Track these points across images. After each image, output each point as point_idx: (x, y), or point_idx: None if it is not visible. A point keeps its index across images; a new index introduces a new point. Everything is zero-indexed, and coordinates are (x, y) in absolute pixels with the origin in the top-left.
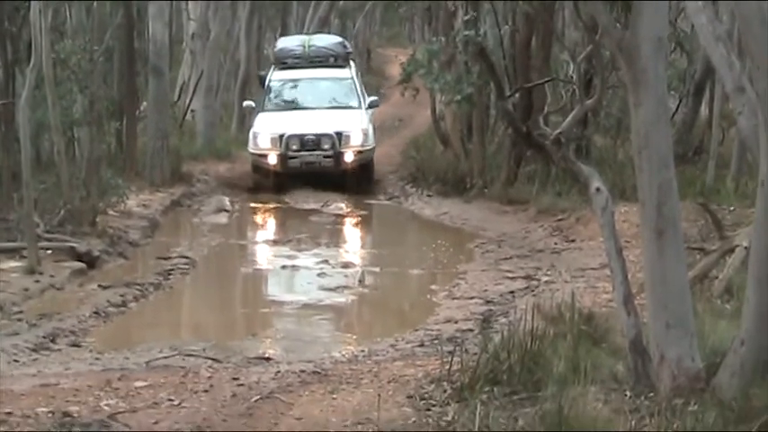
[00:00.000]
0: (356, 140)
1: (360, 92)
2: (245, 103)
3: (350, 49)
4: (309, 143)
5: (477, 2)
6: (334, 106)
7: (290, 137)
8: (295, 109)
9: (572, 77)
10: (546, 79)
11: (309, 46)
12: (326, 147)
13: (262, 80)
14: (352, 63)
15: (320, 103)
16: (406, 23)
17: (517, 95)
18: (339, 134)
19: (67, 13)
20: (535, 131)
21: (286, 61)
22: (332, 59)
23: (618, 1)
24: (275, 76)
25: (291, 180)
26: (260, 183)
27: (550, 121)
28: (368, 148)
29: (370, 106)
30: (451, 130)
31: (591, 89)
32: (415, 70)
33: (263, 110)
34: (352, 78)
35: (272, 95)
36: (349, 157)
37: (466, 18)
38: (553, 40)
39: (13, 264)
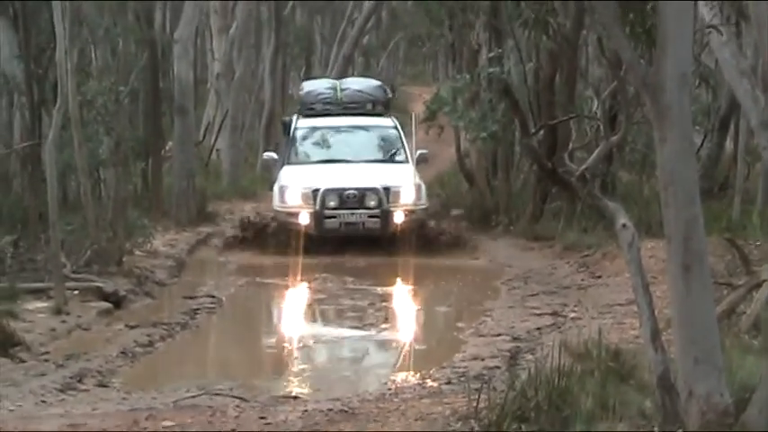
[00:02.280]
0: (408, 197)
1: (406, 144)
2: (266, 154)
3: (390, 95)
4: (351, 199)
5: (500, 39)
6: (378, 160)
7: (328, 191)
8: (329, 162)
9: (596, 114)
10: (570, 116)
11: (342, 89)
12: (372, 204)
13: (285, 127)
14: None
15: (359, 156)
16: (429, 62)
17: (542, 132)
18: (387, 189)
19: (93, 54)
20: (560, 168)
21: (314, 107)
22: (369, 106)
23: (642, 37)
24: (302, 124)
25: (326, 245)
26: (285, 246)
27: (575, 158)
28: (421, 207)
29: (419, 161)
30: (476, 167)
31: (616, 125)
32: (439, 108)
33: (287, 162)
34: (396, 127)
35: (298, 146)
36: (399, 217)
37: (490, 55)
38: (577, 76)
39: (40, 304)
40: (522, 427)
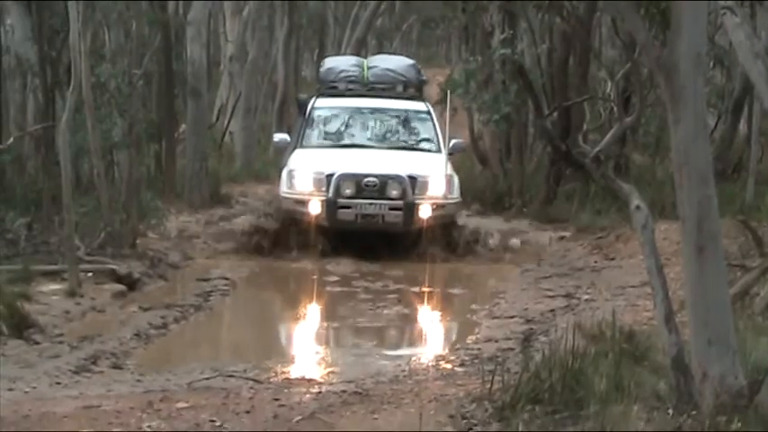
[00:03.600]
0: (437, 189)
1: (439, 132)
2: (276, 136)
3: (425, 77)
4: (370, 188)
5: (513, 21)
6: (405, 147)
7: (343, 177)
8: (347, 147)
9: (610, 95)
10: (584, 97)
11: (370, 68)
12: (394, 194)
13: (301, 106)
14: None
15: (384, 143)
16: (443, 44)
17: (555, 114)
18: (413, 179)
19: (106, 37)
20: (574, 149)
21: (336, 85)
22: (400, 87)
23: (656, 18)
24: (320, 104)
25: (340, 241)
26: (292, 243)
27: (589, 140)
28: (452, 201)
29: (453, 151)
30: (490, 149)
31: (629, 107)
32: (453, 90)
33: (300, 145)
34: (429, 113)
35: (314, 128)
36: (426, 211)
37: (503, 37)
38: (591, 58)
39: (54, 286)
40: (536, 408)
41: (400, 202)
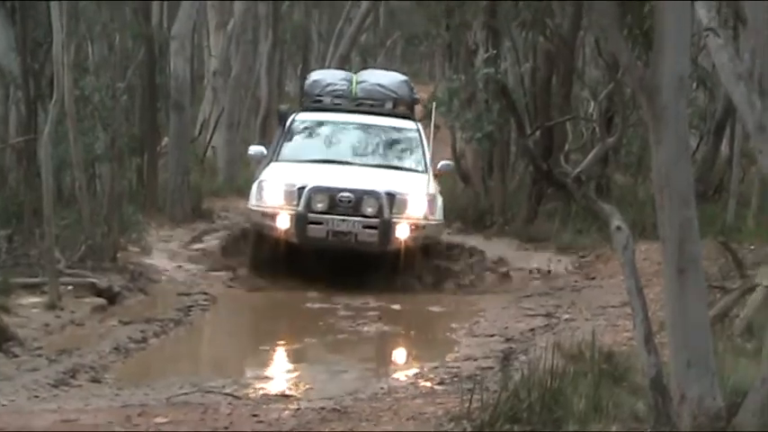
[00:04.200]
0: (417, 209)
1: (426, 152)
2: (252, 148)
3: (417, 95)
4: (344, 203)
5: (497, 40)
6: (388, 165)
7: (315, 190)
8: (325, 162)
9: (593, 115)
10: (567, 117)
11: (359, 82)
12: (369, 211)
13: (281, 118)
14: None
15: (366, 160)
16: (426, 61)
17: (538, 133)
18: (391, 196)
19: (90, 50)
20: (556, 169)
21: (321, 99)
22: (390, 104)
23: (639, 39)
24: (301, 117)
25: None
26: (261, 262)
27: (571, 160)
28: (433, 222)
29: (442, 171)
30: (472, 167)
31: (612, 127)
32: (436, 108)
33: (276, 158)
34: (418, 131)
35: (292, 141)
36: (403, 231)
37: (486, 56)
38: (574, 78)
39: (33, 299)
40: (515, 427)
41: (375, 220)
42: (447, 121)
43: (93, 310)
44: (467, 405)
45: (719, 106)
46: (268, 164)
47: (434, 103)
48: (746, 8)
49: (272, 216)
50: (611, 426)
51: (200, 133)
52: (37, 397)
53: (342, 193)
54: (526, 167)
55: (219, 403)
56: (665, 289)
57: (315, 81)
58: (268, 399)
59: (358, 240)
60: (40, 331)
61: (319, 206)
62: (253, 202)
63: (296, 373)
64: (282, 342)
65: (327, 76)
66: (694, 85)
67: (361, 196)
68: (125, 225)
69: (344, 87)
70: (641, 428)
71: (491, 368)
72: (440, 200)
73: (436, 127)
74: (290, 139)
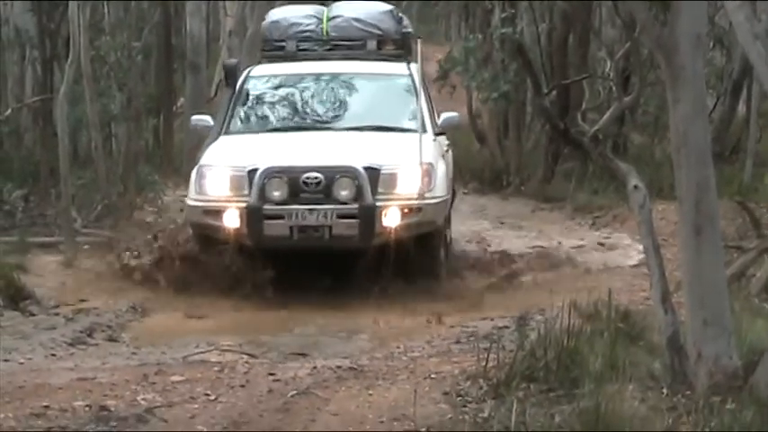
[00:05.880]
0: (408, 184)
1: (424, 103)
2: (194, 118)
3: (408, 28)
4: (311, 188)
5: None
6: (373, 127)
7: (269, 173)
8: (291, 130)
9: (610, 75)
10: (583, 76)
11: (330, 18)
12: (345, 195)
13: (229, 74)
14: (413, 51)
15: (344, 123)
16: (442, 21)
17: (554, 93)
18: (374, 171)
19: (105, 10)
20: (573, 129)
21: (282, 45)
22: (373, 44)
23: None
24: (258, 72)
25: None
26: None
27: (588, 119)
28: (432, 201)
29: (445, 127)
30: (488, 127)
31: (629, 86)
32: (452, 68)
33: (225, 131)
34: (410, 77)
35: (245, 107)
36: (393, 217)
37: (503, 16)
38: (591, 37)
39: (50, 258)
40: (531, 386)
41: (354, 207)
42: (463, 81)
43: (109, 270)
44: (483, 364)
45: (736, 66)
46: (215, 139)
47: (449, 66)
48: None
49: (218, 213)
50: (627, 385)
51: (215, 93)
52: (54, 355)
53: (307, 174)
54: (542, 127)
55: (236, 362)
56: (681, 248)
57: (274, 22)
58: (285, 357)
59: (333, 235)
60: (56, 290)
61: (276, 194)
62: (192, 194)
63: (312, 332)
64: (298, 300)
65: (290, 14)
66: (711, 44)
67: (332, 176)
68: (141, 185)
69: (313, 27)
70: (657, 387)
71: (507, 327)
72: (442, 168)
73: (452, 87)
74: (243, 104)
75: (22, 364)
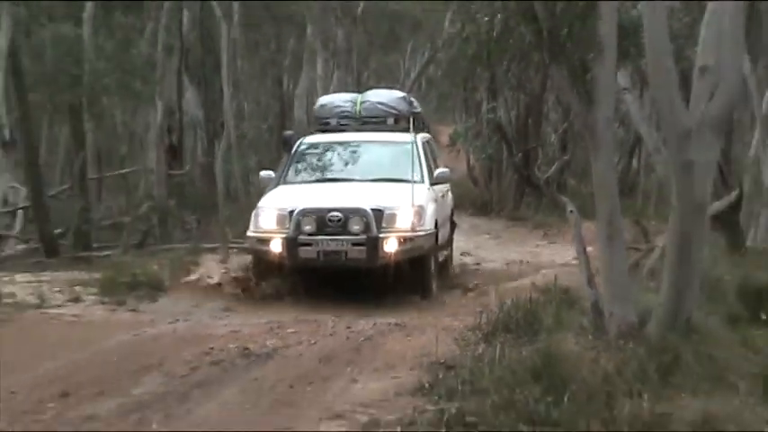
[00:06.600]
0: (404, 221)
1: (423, 161)
2: (262, 173)
3: (417, 109)
4: (333, 223)
5: (495, 96)
6: (384, 179)
7: (303, 213)
8: (326, 181)
9: (554, 143)
10: (538, 144)
11: (362, 102)
12: (356, 229)
13: (286, 143)
14: (420, 126)
15: (365, 176)
16: (452, 109)
17: (520, 154)
18: (379, 212)
19: (245, 105)
20: (532, 176)
21: (328, 122)
22: (391, 120)
23: (583, 95)
24: (308, 140)
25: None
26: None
27: (541, 170)
28: (421, 233)
29: (438, 181)
30: (479, 175)
31: (567, 150)
32: (456, 139)
33: (283, 182)
34: (412, 144)
35: (298, 164)
36: (392, 245)
37: (488, 106)
38: (542, 119)
39: (211, 257)
40: (508, 335)
41: (363, 237)
42: (464, 147)
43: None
44: (478, 321)
45: (632, 136)
46: (274, 188)
47: (454, 138)
48: (648, 76)
49: (267, 241)
50: (567, 333)
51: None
52: (215, 317)
53: (330, 213)
54: (513, 175)
55: (327, 320)
56: (599, 249)
57: (323, 105)
58: (357, 317)
59: (348, 258)
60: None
61: (308, 228)
62: (251, 228)
63: (376, 302)
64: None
65: (335, 99)
66: (617, 123)
67: (347, 215)
68: None
69: (349, 108)
70: (585, 335)
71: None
72: (431, 208)
73: (457, 150)
74: (294, 162)
75: (195, 322)
